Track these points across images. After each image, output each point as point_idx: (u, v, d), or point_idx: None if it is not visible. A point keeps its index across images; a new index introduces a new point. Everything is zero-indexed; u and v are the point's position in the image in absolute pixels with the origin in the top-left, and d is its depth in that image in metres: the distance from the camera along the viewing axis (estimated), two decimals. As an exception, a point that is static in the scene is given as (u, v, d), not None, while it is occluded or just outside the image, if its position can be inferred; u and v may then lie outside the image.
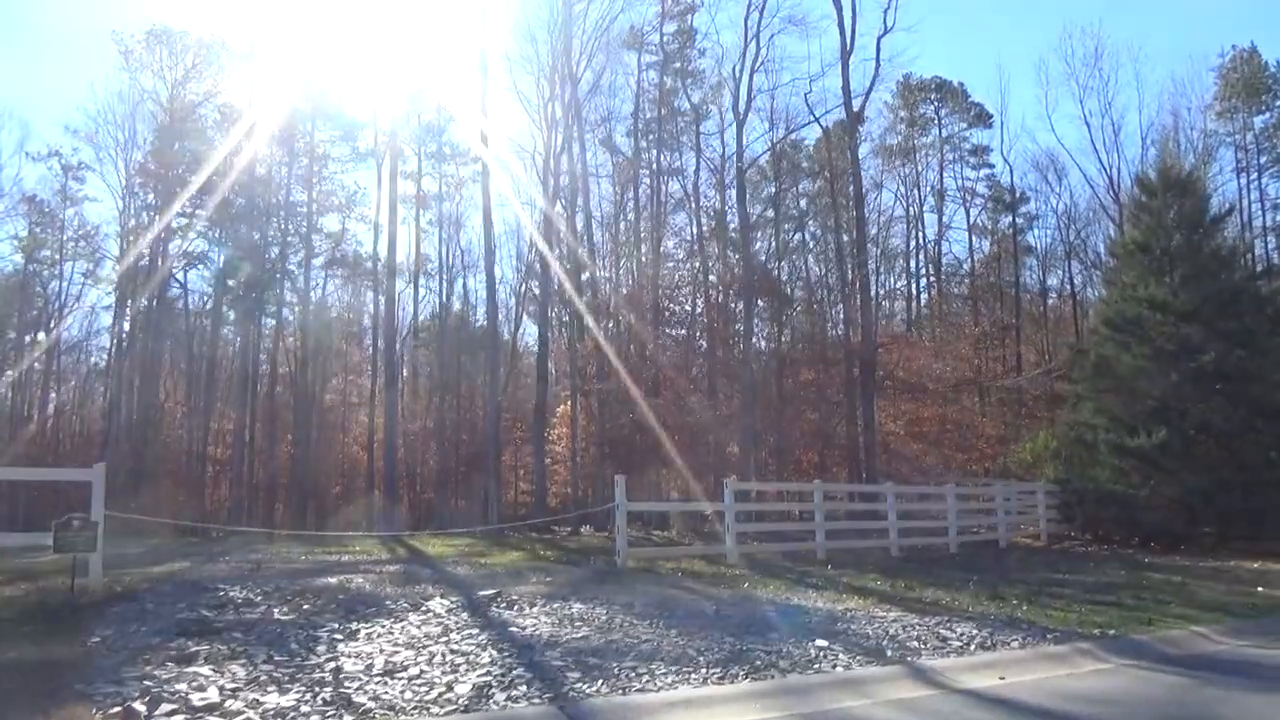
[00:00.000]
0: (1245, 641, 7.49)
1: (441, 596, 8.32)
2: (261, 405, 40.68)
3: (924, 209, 45.97)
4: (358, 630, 6.51)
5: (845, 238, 26.57)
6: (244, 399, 37.31)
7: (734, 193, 27.96)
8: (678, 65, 30.24)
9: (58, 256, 45.09)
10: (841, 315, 25.00)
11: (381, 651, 5.77)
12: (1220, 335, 19.72)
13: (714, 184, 29.04)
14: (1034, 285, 39.52)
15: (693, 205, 27.05)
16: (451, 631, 6.56)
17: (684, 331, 22.67)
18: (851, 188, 25.20)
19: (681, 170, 29.82)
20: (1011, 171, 40.91)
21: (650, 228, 28.52)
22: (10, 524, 30.57)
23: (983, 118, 46.47)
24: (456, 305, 38.13)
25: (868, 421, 23.56)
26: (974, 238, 44.99)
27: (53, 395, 46.83)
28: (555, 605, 7.97)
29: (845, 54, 24.71)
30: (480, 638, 6.33)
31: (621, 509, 12.26)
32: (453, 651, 5.79)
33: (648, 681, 5.12)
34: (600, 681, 5.08)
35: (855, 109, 24.84)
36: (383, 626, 6.71)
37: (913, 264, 46.25)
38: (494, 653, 5.80)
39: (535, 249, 26.28)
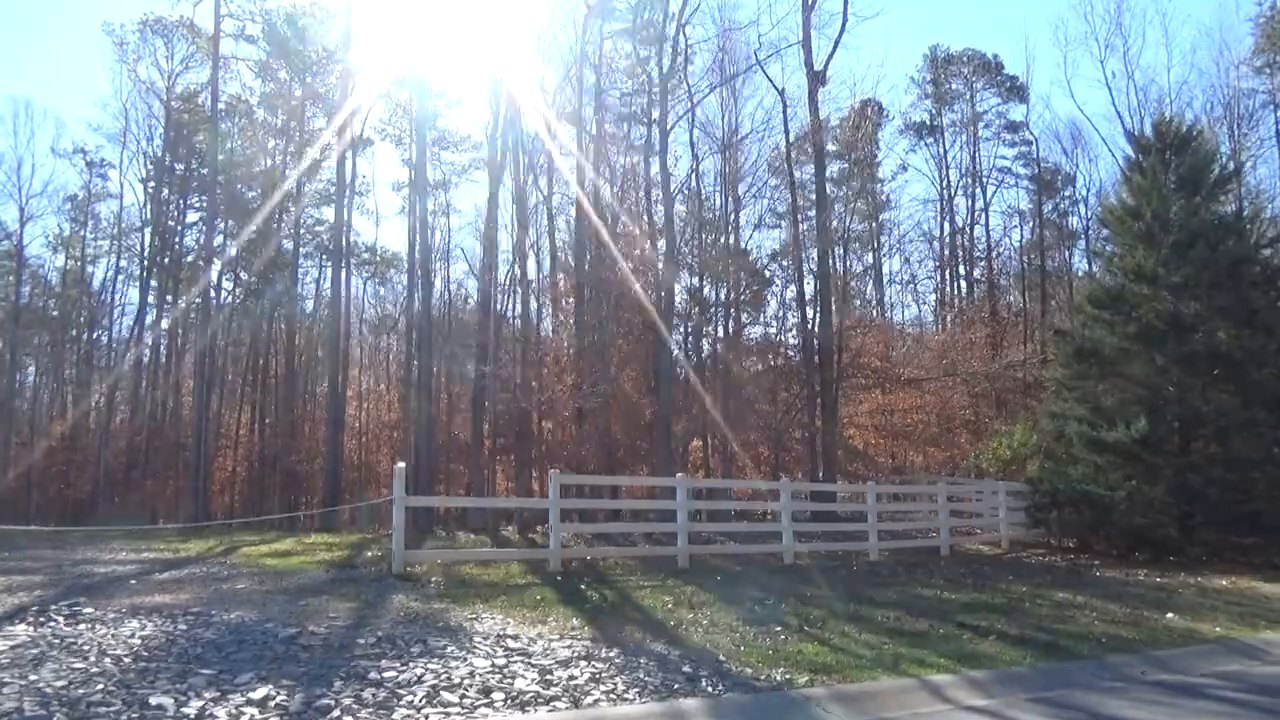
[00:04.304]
0: (986, 700, 5.31)
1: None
2: (257, 398, 40.38)
3: (955, 190, 42.96)
4: None
5: (801, 221, 24.09)
6: (238, 390, 36.94)
7: (704, 163, 26.01)
8: (648, 32, 28.25)
9: (84, 254, 45.56)
10: (799, 300, 22.60)
11: None
12: (1218, 311, 16.78)
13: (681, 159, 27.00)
14: (1062, 268, 36.07)
15: (644, 183, 25.00)
16: None
17: (606, 311, 20.73)
18: (813, 163, 22.68)
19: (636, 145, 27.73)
20: (1037, 145, 37.61)
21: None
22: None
23: (1016, 90, 43.06)
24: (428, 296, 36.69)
25: (827, 415, 21.11)
26: (1003, 219, 41.79)
27: (97, 390, 47.45)
28: (107, 620, 6.38)
29: (806, 7, 22.36)
30: None
31: (399, 504, 10.53)
32: None
33: None
34: None
35: (818, 68, 22.39)
36: None
37: (945, 250, 43.30)
38: None
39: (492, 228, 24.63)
